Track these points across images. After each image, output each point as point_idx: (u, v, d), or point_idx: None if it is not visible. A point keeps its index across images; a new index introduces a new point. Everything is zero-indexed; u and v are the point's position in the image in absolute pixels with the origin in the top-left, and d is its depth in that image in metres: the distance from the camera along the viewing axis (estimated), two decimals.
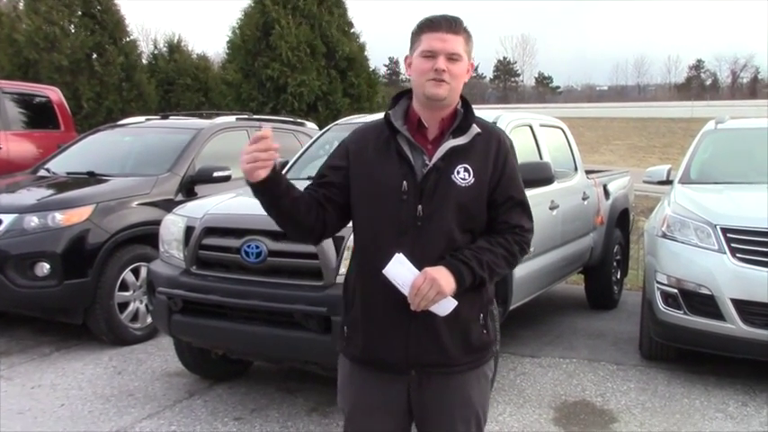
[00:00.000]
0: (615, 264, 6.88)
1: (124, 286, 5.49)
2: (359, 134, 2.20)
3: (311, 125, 8.34)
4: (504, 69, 79.80)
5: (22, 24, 13.19)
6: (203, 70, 16.47)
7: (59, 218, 5.22)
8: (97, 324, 5.38)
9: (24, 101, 8.69)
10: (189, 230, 4.19)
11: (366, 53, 14.75)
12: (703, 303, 4.58)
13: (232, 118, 7.24)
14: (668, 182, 5.86)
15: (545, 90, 79.12)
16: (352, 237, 3.54)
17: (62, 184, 6.05)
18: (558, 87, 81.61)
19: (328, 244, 3.70)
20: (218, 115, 7.51)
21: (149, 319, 5.39)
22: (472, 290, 2.04)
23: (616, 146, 31.87)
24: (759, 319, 4.42)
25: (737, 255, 4.51)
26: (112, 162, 6.43)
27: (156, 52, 16.69)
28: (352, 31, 14.60)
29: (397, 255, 1.97)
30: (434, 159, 2.05)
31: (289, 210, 2.07)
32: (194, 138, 6.38)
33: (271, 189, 2.00)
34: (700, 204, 5.00)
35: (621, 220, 7.04)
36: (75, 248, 5.22)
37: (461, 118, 2.11)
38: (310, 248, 3.71)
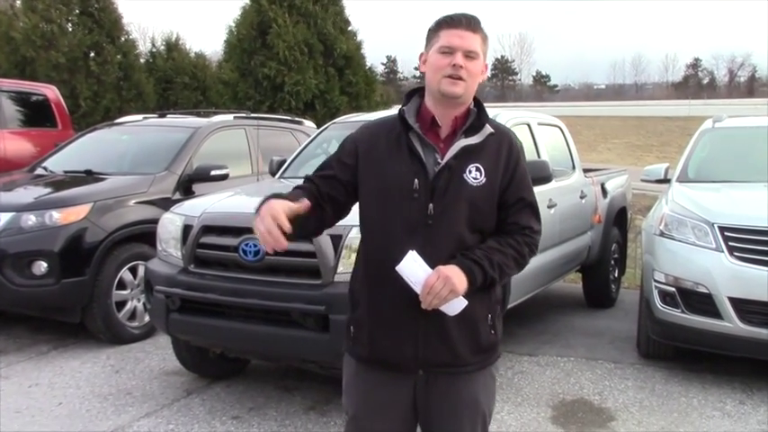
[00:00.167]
0: (613, 262, 6.89)
1: (122, 285, 5.48)
2: (369, 131, 2.18)
3: (309, 123, 8.33)
4: (502, 68, 79.80)
5: (19, 22, 13.14)
6: (201, 69, 16.44)
7: (57, 216, 5.21)
8: (95, 323, 5.37)
9: (21, 99, 8.66)
10: (187, 229, 4.19)
11: (363, 51, 14.75)
12: (701, 302, 4.59)
13: (230, 116, 7.24)
14: (666, 180, 5.87)
15: (542, 88, 79.19)
16: (350, 235, 3.62)
17: (59, 183, 6.04)
18: (555, 86, 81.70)
19: (326, 242, 3.69)
20: (215, 114, 7.50)
21: (147, 318, 5.37)
22: (482, 290, 2.04)
23: (614, 144, 31.87)
24: (756, 317, 4.43)
25: (735, 253, 4.52)
26: (110, 160, 6.42)
27: (153, 50, 16.67)
28: (349, 28, 14.58)
29: (410, 252, 1.95)
30: (447, 158, 2.04)
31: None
32: (192, 136, 6.37)
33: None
34: (697, 203, 5.00)
35: (619, 219, 7.04)
36: (73, 247, 5.22)
37: (474, 117, 2.10)
38: (308, 247, 3.71)
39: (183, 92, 15.77)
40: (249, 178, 6.50)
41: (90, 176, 6.01)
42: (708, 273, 4.56)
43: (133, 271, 5.55)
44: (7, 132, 8.10)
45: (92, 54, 13.41)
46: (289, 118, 8.32)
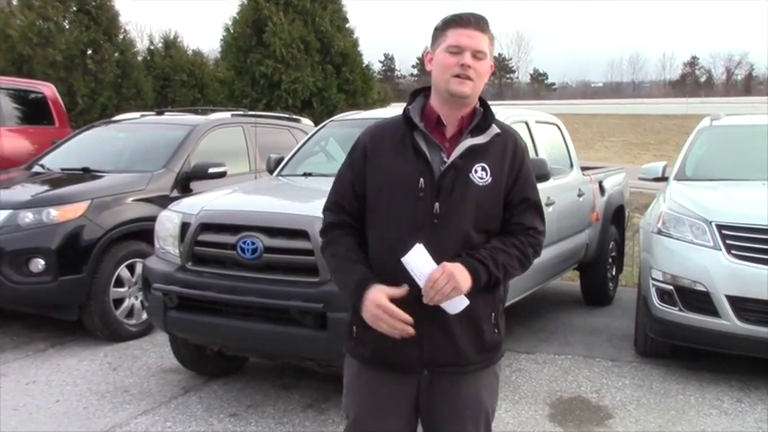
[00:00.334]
0: (610, 260, 6.89)
1: (119, 282, 5.47)
2: (375, 129, 2.18)
3: (306, 121, 8.33)
4: (500, 66, 79.91)
5: (15, 20, 13.10)
6: (199, 66, 16.43)
7: (54, 214, 5.21)
8: (92, 320, 5.37)
9: (19, 96, 8.64)
10: (184, 227, 4.17)
11: (360, 49, 14.73)
12: (698, 300, 4.59)
13: (227, 114, 7.22)
14: (663, 179, 5.87)
15: (540, 87, 79.33)
16: None
17: (57, 180, 6.02)
18: (553, 84, 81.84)
19: None
20: (213, 111, 7.49)
21: (144, 316, 5.36)
22: (485, 289, 2.04)
23: (611, 142, 31.87)
24: (754, 315, 4.43)
25: (733, 251, 4.52)
26: (107, 158, 6.41)
27: (151, 48, 16.65)
28: (346, 26, 14.57)
29: (417, 245, 1.94)
30: (453, 157, 2.04)
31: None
32: (190, 134, 6.36)
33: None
34: (695, 201, 5.01)
35: (617, 217, 7.04)
36: (70, 244, 5.21)
37: (480, 117, 2.10)
38: (306, 245, 3.71)
39: (181, 89, 15.77)
40: (247, 176, 6.49)
41: (87, 174, 5.99)
42: (705, 271, 4.57)
43: (131, 268, 5.54)
44: (5, 130, 8.09)
45: (89, 52, 13.39)
46: (286, 116, 8.31)
